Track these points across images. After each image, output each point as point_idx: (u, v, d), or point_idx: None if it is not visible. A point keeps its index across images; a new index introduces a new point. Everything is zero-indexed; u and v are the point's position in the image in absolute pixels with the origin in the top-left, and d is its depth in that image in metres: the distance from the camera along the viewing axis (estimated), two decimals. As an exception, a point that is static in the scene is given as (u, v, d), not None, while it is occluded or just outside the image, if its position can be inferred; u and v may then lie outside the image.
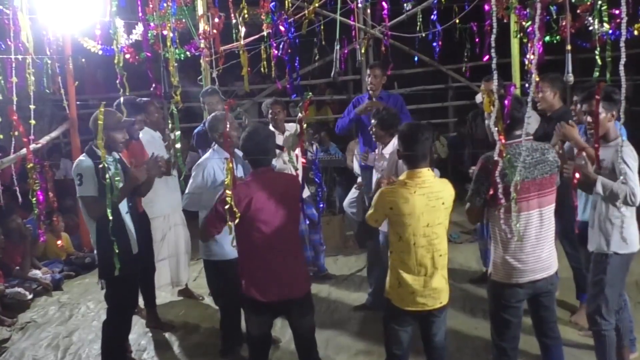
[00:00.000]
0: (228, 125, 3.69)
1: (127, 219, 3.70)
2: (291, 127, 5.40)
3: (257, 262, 3.19)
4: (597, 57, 3.81)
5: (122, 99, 4.20)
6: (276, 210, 3.13)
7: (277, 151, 4.87)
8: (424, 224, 2.99)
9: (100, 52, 5.82)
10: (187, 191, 3.94)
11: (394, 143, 4.45)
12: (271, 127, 5.32)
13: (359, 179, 5.73)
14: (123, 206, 3.66)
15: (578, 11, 4.99)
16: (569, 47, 3.90)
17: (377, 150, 4.63)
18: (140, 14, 4.57)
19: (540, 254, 3.00)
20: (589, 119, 3.21)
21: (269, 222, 3.13)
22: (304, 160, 3.50)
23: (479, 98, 5.32)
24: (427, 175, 3.04)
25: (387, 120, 4.42)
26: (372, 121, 4.55)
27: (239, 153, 4.04)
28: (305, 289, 3.27)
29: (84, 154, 3.64)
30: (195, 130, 5.21)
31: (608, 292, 3.26)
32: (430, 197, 3.00)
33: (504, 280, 3.02)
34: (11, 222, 5.60)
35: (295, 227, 3.28)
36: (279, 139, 5.26)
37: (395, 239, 3.06)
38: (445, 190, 3.07)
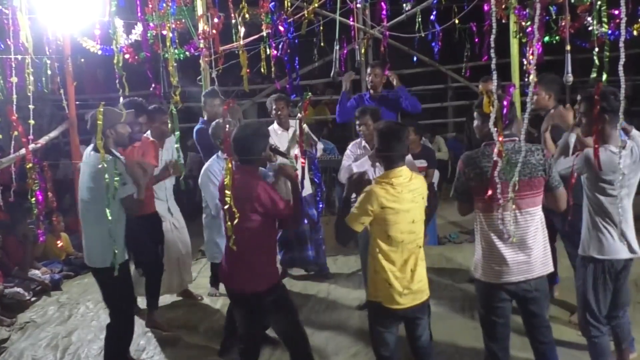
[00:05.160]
0: (228, 128, 3.74)
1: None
2: (295, 124, 5.41)
3: (226, 252, 3.41)
4: (595, 57, 3.82)
5: (123, 100, 4.21)
6: (238, 209, 3.17)
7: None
8: (410, 220, 3.03)
9: (99, 52, 5.82)
10: (211, 209, 4.06)
11: None
12: (275, 124, 5.33)
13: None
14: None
15: (577, 11, 5.00)
16: (568, 47, 3.90)
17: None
18: (139, 14, 4.56)
19: (518, 256, 2.96)
20: (583, 119, 3.22)
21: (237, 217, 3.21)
22: (303, 160, 3.50)
23: None
24: (407, 172, 3.08)
25: (377, 114, 4.45)
26: (358, 121, 4.52)
27: None
28: (261, 286, 3.30)
29: (89, 150, 3.69)
30: (196, 128, 5.22)
31: (590, 298, 3.24)
32: (415, 193, 3.05)
33: (484, 279, 3.06)
34: (24, 224, 5.65)
35: (252, 231, 3.25)
36: (284, 136, 5.27)
37: (382, 237, 3.05)
38: (423, 186, 3.14)
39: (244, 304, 3.42)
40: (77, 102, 6.61)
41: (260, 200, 3.20)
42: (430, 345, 3.23)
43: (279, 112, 5.28)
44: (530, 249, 2.98)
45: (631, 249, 3.23)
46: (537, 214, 3.01)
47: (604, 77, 3.50)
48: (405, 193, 3.01)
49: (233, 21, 5.09)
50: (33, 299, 5.39)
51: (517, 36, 5.23)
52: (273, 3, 4.43)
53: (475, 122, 3.12)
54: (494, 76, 2.67)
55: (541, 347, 3.18)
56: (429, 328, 3.24)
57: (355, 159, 4.48)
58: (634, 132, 3.29)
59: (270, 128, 5.37)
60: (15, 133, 3.70)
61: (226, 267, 3.41)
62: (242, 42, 5.00)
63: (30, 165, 3.60)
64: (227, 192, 3.15)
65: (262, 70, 5.28)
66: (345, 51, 6.35)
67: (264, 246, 3.33)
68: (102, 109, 3.34)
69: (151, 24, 5.43)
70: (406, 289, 3.05)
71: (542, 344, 3.17)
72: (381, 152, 3.09)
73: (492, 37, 2.65)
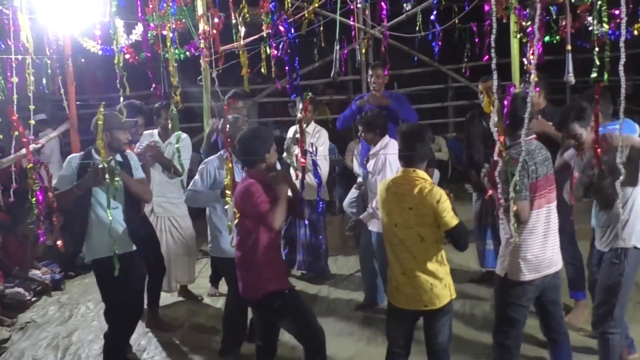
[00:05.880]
0: (233, 126, 3.79)
1: (115, 219, 3.70)
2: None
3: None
4: (595, 57, 3.82)
5: (123, 102, 4.21)
6: (239, 215, 3.30)
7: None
8: (393, 223, 3.05)
9: (100, 52, 5.82)
10: (189, 187, 4.09)
11: (381, 143, 4.51)
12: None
13: (359, 179, 5.74)
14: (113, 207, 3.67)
15: (578, 11, 4.99)
16: (569, 47, 3.90)
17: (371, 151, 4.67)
18: (140, 14, 4.56)
19: (551, 250, 3.05)
20: (572, 141, 3.26)
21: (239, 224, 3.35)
22: (303, 161, 3.51)
23: None
24: (413, 174, 3.07)
25: (372, 122, 4.49)
26: (359, 126, 4.60)
27: None
28: (256, 294, 3.34)
29: (79, 153, 3.75)
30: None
31: (625, 292, 3.24)
32: (400, 198, 3.04)
33: (517, 277, 3.04)
34: (24, 225, 5.65)
35: (250, 234, 3.30)
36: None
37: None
38: (416, 198, 3.01)
39: (256, 307, 3.48)
40: (78, 103, 6.61)
41: (243, 202, 3.25)
42: (444, 349, 3.20)
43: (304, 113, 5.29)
44: (556, 241, 3.09)
45: None
46: (555, 206, 3.11)
47: (605, 77, 3.51)
48: (391, 193, 3.07)
49: (233, 21, 5.08)
50: (33, 299, 5.40)
51: (518, 36, 5.22)
52: (273, 3, 4.43)
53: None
54: (495, 76, 2.67)
55: (557, 337, 3.22)
56: (449, 331, 3.21)
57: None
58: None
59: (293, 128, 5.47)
60: (16, 133, 3.70)
61: (237, 271, 3.46)
62: (242, 42, 4.99)
63: (31, 165, 3.60)
64: (227, 192, 3.17)
65: (263, 70, 5.28)
66: (345, 51, 6.34)
67: (262, 250, 3.30)
68: (102, 109, 3.35)
69: (151, 24, 5.43)
70: (398, 289, 3.11)
71: (558, 334, 3.22)
72: (402, 152, 3.15)
73: (493, 37, 2.65)
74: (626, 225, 3.22)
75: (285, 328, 3.46)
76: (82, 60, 6.34)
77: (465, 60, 6.93)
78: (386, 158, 4.37)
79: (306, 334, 3.39)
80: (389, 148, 4.36)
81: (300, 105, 5.19)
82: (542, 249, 3.01)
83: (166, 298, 5.20)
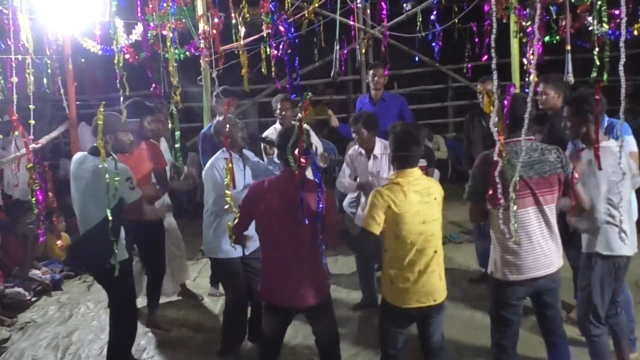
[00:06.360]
0: (229, 126, 3.76)
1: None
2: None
3: (267, 264, 3.24)
4: (595, 57, 3.83)
5: (124, 101, 4.20)
6: (286, 214, 3.09)
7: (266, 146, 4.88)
8: (421, 220, 3.03)
9: (100, 52, 5.83)
10: (210, 204, 3.93)
11: (380, 145, 4.51)
12: (277, 124, 5.29)
13: (359, 179, 5.73)
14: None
15: (578, 11, 5.00)
16: (569, 47, 3.91)
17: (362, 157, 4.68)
18: (139, 14, 4.56)
19: (539, 252, 3.01)
20: (568, 123, 3.25)
21: (277, 225, 3.12)
22: (303, 160, 3.50)
23: None
24: (417, 173, 3.13)
25: (370, 121, 4.49)
26: (352, 128, 4.58)
27: (249, 154, 4.07)
28: (314, 299, 3.17)
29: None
30: (202, 132, 5.20)
31: (595, 297, 3.25)
32: (423, 193, 3.07)
33: (504, 278, 3.04)
34: (24, 225, 5.66)
35: (306, 234, 3.10)
36: None
37: (391, 237, 3.08)
38: (434, 187, 3.16)
39: (282, 314, 3.29)
40: (78, 103, 6.62)
41: (326, 201, 3.07)
42: (441, 346, 3.23)
43: (283, 113, 5.22)
44: (549, 244, 3.04)
45: (633, 246, 3.27)
46: (554, 210, 3.07)
47: (605, 77, 3.51)
48: (411, 193, 3.03)
49: (233, 21, 5.09)
50: (33, 299, 5.39)
51: (518, 36, 5.23)
52: (273, 3, 4.44)
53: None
54: (494, 76, 2.67)
55: (555, 339, 3.21)
56: (442, 328, 3.23)
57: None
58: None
59: (272, 127, 5.37)
60: (16, 133, 3.70)
61: (274, 280, 3.21)
62: (242, 42, 5.00)
63: (31, 165, 3.61)
64: (227, 192, 3.14)
65: (262, 70, 5.28)
66: (345, 51, 6.35)
67: (317, 254, 3.11)
68: (102, 109, 3.34)
69: (151, 24, 5.44)
70: (409, 289, 3.06)
71: (555, 336, 3.21)
72: (396, 154, 3.13)
73: (493, 37, 2.65)
74: (592, 231, 3.25)
75: (322, 331, 3.35)
76: (82, 60, 6.35)
77: (466, 60, 6.95)
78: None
79: (336, 335, 3.38)
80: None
81: (279, 105, 5.19)
82: (523, 250, 2.98)
83: (166, 298, 5.20)
